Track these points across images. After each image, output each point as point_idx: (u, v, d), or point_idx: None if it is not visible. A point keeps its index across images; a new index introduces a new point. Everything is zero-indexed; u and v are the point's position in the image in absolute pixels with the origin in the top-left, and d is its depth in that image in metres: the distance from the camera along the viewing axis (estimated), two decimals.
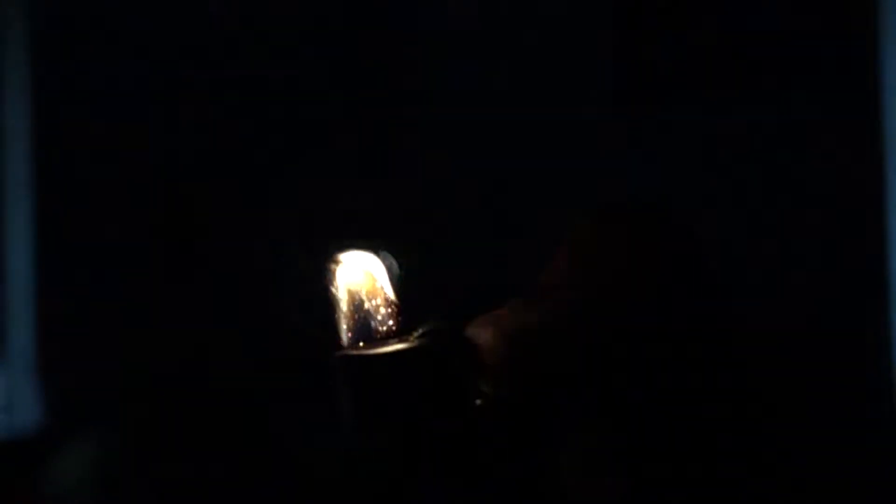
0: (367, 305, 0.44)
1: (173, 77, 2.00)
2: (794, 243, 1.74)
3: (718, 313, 0.41)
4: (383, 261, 0.45)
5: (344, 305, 0.44)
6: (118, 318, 2.01)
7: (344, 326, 0.44)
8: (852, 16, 1.74)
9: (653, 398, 0.40)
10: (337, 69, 1.92)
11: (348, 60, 1.92)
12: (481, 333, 0.40)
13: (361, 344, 0.41)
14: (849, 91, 1.74)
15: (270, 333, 1.92)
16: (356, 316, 0.43)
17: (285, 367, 1.84)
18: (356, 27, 1.94)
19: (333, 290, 0.46)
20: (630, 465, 0.41)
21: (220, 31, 1.98)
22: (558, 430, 0.42)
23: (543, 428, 0.41)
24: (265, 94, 1.96)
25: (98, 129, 2.02)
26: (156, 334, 2.00)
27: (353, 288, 0.45)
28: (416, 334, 0.40)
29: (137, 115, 2.02)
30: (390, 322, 0.42)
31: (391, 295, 0.44)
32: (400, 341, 0.40)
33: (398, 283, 0.45)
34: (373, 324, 0.43)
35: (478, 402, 0.39)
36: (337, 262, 0.47)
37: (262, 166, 1.93)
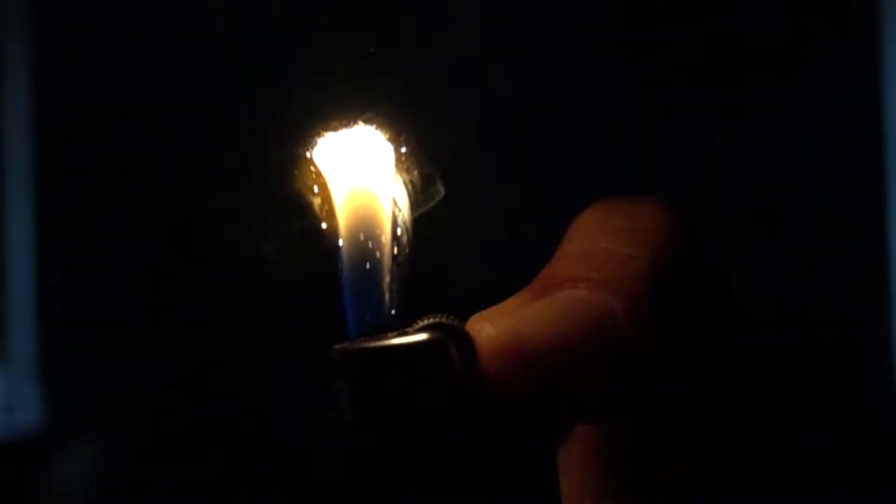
0: (377, 237, 0.35)
1: (173, 75, 2.00)
2: (795, 242, 1.74)
3: (729, 310, 0.41)
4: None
5: (346, 240, 0.36)
6: (118, 318, 2.01)
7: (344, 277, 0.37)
8: (852, 15, 1.74)
9: (665, 396, 0.40)
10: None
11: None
12: (483, 329, 0.40)
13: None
14: (849, 90, 1.74)
15: (271, 332, 1.92)
16: (361, 250, 0.36)
17: (285, 366, 1.84)
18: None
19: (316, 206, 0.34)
20: (638, 466, 0.41)
21: (221, 30, 1.98)
22: (560, 430, 0.42)
23: (545, 427, 0.41)
24: (269, 93, 1.96)
25: (99, 129, 2.02)
26: (156, 334, 2.00)
27: (357, 210, 0.36)
28: (416, 326, 0.40)
29: (138, 114, 2.02)
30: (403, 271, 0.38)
31: (405, 217, 0.36)
32: (401, 334, 0.40)
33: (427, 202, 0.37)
34: (384, 280, 0.36)
35: (478, 399, 0.39)
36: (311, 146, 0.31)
37: (265, 166, 1.93)
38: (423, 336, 0.38)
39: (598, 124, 1.84)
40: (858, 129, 1.73)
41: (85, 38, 2.03)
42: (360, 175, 0.40)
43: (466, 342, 0.38)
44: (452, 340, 0.38)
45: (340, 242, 0.39)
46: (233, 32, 1.98)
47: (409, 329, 0.39)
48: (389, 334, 0.39)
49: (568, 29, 1.87)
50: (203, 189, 2.03)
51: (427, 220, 0.40)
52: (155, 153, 2.03)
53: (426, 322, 0.39)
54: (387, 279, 0.40)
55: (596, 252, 0.39)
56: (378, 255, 0.39)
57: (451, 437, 0.38)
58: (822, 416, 1.68)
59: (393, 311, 0.40)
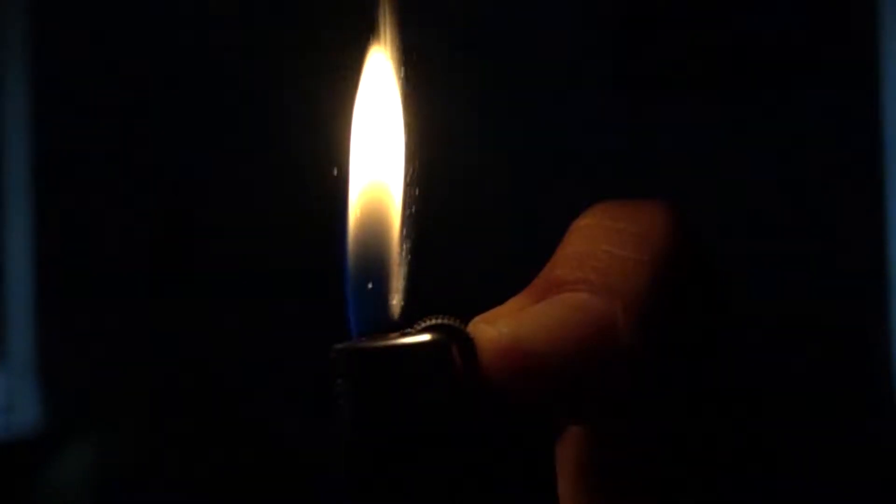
0: (385, 235, 0.35)
1: (173, 76, 2.00)
2: (794, 242, 1.74)
3: (730, 313, 0.41)
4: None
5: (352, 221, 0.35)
6: (118, 318, 2.01)
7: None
8: (852, 16, 1.74)
9: (664, 398, 0.40)
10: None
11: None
12: (484, 331, 0.40)
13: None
14: (849, 90, 1.74)
15: (270, 332, 1.92)
16: (368, 248, 0.36)
17: (285, 366, 1.84)
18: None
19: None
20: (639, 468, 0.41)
21: (220, 30, 1.98)
22: (558, 430, 0.42)
23: (544, 428, 0.41)
24: (265, 92, 1.96)
25: (98, 129, 2.02)
26: (155, 334, 2.00)
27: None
28: (418, 327, 0.40)
29: (138, 115, 2.02)
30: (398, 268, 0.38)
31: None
32: (403, 335, 0.40)
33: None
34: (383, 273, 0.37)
35: (479, 401, 0.39)
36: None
37: (263, 166, 1.93)
38: (425, 337, 0.38)
39: (599, 125, 1.84)
40: (858, 129, 1.73)
41: (85, 37, 2.04)
42: (370, 171, 0.40)
43: (469, 344, 0.38)
44: (455, 342, 0.38)
45: (347, 239, 0.39)
46: (233, 30, 1.98)
47: (411, 330, 0.39)
48: (391, 334, 0.39)
49: (569, 29, 1.87)
50: (203, 189, 2.03)
51: (429, 222, 0.40)
52: (154, 153, 2.03)
53: (428, 323, 0.39)
54: (391, 278, 0.40)
55: (596, 254, 0.39)
56: (384, 253, 0.40)
57: (451, 439, 0.38)
58: (821, 417, 1.68)
59: (395, 312, 0.40)
